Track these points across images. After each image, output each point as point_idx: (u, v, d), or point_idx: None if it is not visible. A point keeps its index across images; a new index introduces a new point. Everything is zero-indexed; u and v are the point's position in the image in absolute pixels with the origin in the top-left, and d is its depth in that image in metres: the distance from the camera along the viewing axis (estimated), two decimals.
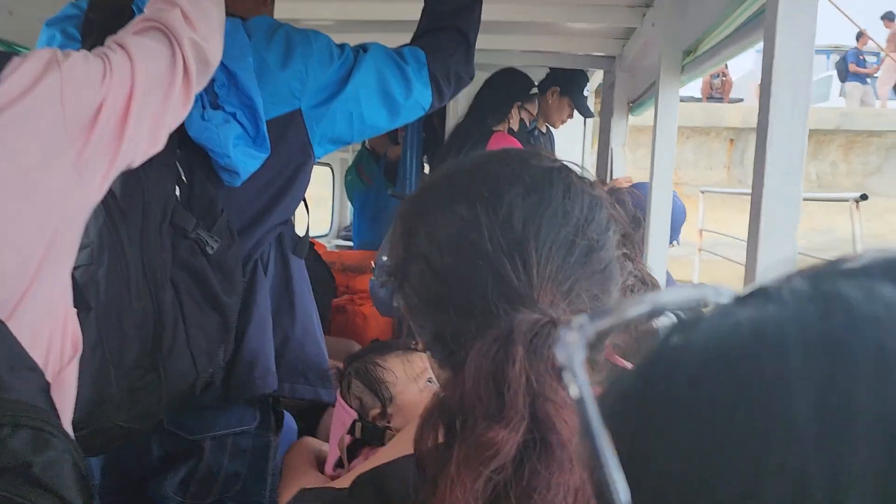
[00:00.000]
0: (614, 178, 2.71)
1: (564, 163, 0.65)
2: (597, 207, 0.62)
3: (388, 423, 1.11)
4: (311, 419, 1.90)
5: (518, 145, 2.26)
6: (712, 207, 6.10)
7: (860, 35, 11.41)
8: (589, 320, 0.25)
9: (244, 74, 1.19)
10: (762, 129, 0.97)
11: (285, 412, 1.63)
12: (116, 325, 1.12)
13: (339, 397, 1.21)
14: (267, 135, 1.22)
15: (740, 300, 0.26)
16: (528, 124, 2.47)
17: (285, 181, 1.32)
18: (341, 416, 1.18)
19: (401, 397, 1.15)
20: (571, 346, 0.24)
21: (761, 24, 1.14)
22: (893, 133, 10.32)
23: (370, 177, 3.35)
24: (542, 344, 0.53)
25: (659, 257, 1.76)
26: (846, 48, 13.71)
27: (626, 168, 2.81)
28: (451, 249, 0.59)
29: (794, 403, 0.21)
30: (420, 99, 1.36)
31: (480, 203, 0.59)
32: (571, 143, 3.28)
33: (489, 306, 0.57)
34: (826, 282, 0.24)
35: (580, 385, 0.23)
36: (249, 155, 1.22)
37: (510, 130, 2.40)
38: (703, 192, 6.17)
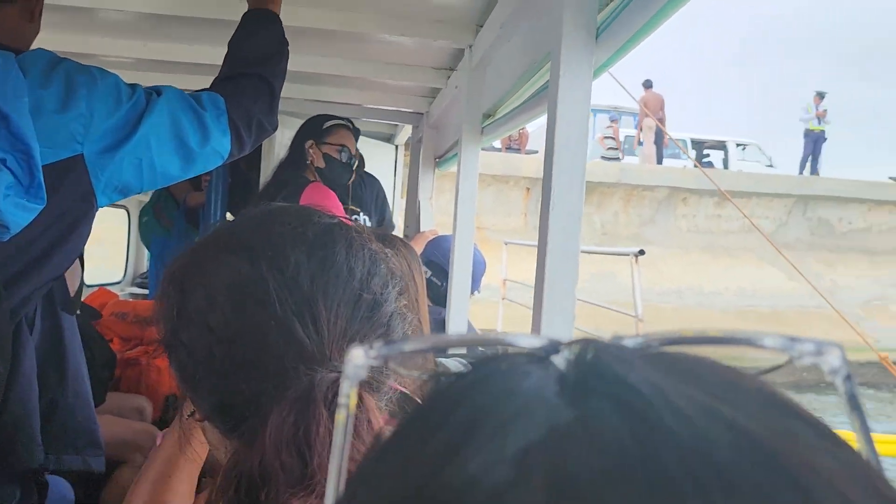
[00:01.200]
0: (421, 230, 2.82)
1: (341, 218, 0.65)
2: (377, 262, 0.62)
3: None
4: (91, 483, 1.72)
5: (333, 196, 2.25)
6: (515, 255, 6.51)
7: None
8: (370, 350, 0.23)
9: (18, 116, 1.07)
10: (546, 192, 1.08)
11: (61, 479, 1.47)
12: None
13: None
14: (43, 183, 1.10)
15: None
16: (339, 157, 2.42)
17: (61, 233, 1.19)
18: None
19: None
20: (350, 374, 0.24)
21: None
22: (664, 188, 11.77)
23: (170, 221, 3.16)
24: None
25: (461, 305, 1.85)
26: (624, 108, 15.46)
27: (434, 219, 2.93)
28: (235, 310, 0.57)
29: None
30: (218, 147, 1.30)
31: (265, 262, 0.57)
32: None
33: (283, 367, 0.54)
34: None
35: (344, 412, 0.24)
36: (22, 207, 1.09)
37: (318, 170, 2.37)
38: (506, 244, 6.58)
